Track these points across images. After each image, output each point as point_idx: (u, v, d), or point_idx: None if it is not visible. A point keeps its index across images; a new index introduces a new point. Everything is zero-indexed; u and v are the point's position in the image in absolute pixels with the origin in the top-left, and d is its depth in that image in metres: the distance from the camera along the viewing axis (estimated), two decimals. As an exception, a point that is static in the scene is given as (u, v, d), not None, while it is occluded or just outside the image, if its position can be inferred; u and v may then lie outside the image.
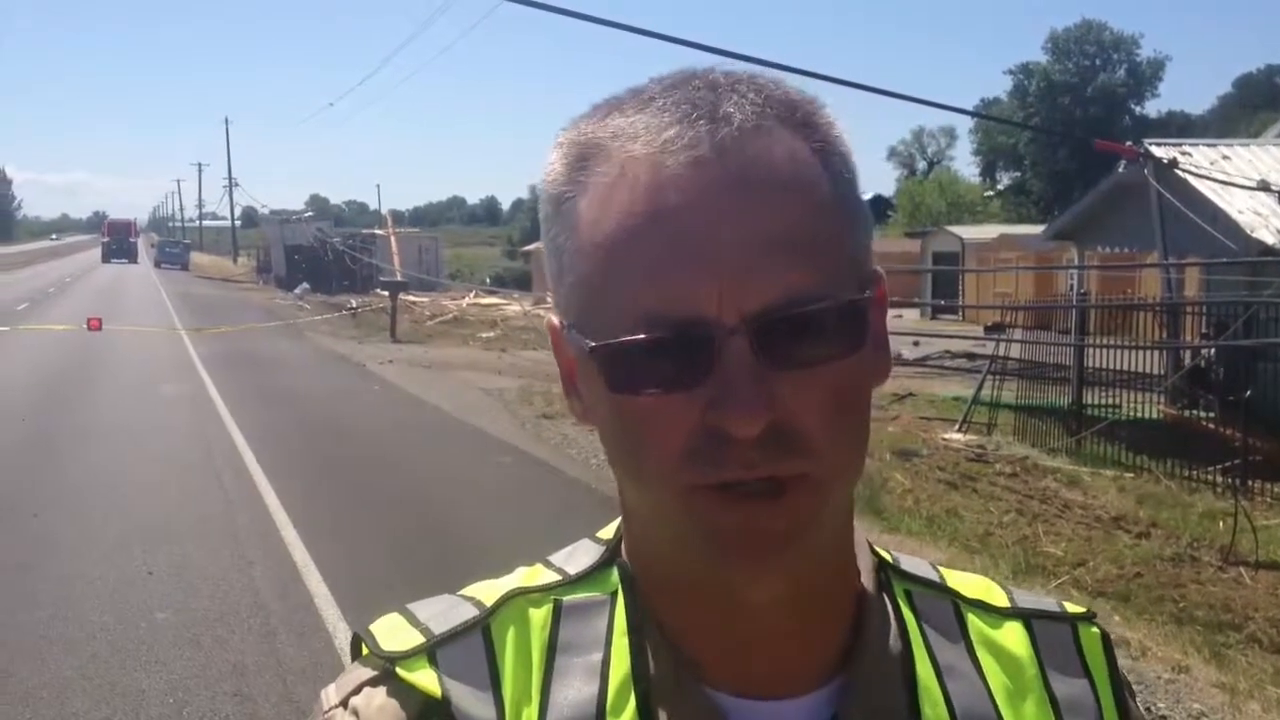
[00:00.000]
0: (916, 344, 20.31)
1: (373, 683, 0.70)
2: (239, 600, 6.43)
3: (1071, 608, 0.79)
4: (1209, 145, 15.53)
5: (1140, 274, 19.68)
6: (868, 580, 0.73)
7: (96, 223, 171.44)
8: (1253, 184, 13.26)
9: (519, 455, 11.31)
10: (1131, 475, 10.51)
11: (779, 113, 0.64)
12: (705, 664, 0.69)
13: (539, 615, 0.72)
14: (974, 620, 0.76)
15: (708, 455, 0.61)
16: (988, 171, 70.37)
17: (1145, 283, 20.21)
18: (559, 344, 0.70)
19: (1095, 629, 0.78)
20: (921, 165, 77.57)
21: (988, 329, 19.77)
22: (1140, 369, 12.37)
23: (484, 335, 25.89)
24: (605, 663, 0.69)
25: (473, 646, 0.70)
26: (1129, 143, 14.90)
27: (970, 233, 38.82)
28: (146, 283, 52.76)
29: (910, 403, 15.01)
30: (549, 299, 0.71)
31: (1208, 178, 13.36)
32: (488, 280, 54.31)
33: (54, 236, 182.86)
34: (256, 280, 53.33)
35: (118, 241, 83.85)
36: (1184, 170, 13.25)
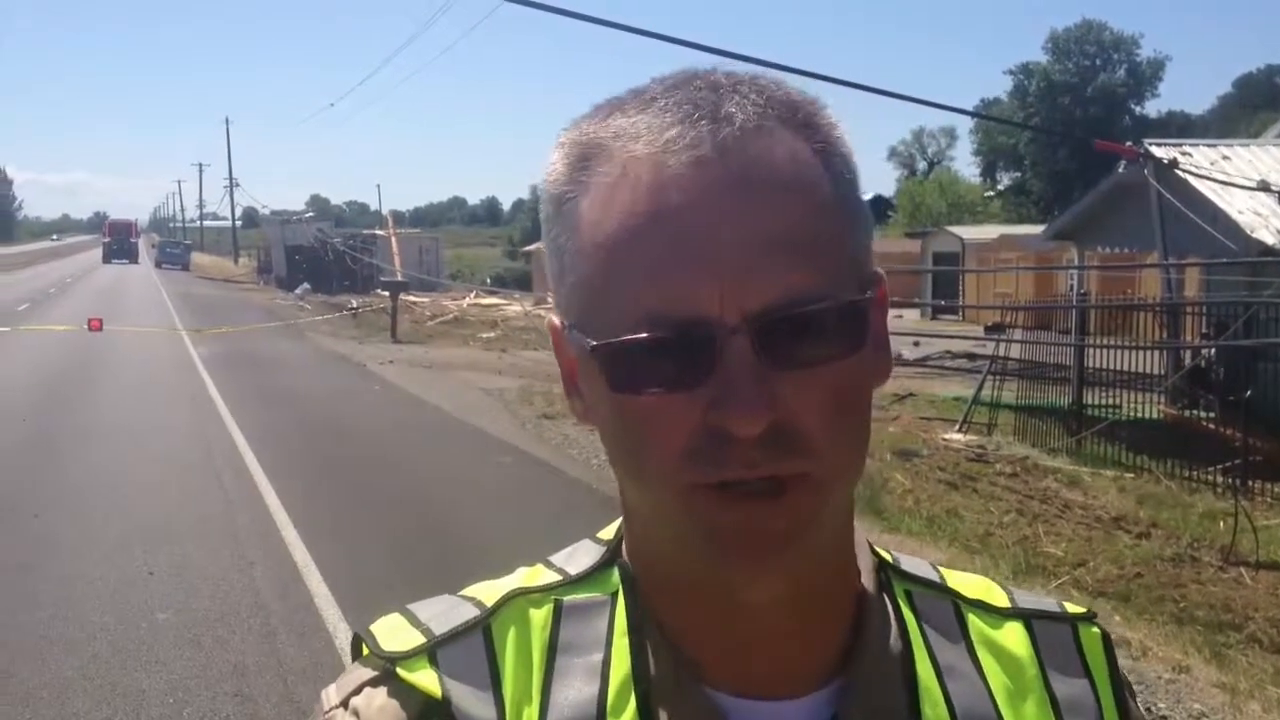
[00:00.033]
0: (917, 344, 20.31)
1: (373, 683, 0.70)
2: (239, 600, 6.43)
3: (1072, 608, 0.79)
4: (1209, 145, 15.52)
5: (1140, 274, 19.69)
6: (868, 580, 0.73)
7: (97, 223, 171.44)
8: (1253, 184, 13.26)
9: (519, 455, 11.31)
10: (1132, 475, 10.51)
11: (780, 113, 0.64)
12: (706, 664, 0.69)
13: (540, 615, 0.72)
14: (974, 620, 0.76)
15: (709, 455, 0.61)
16: (988, 172, 70.39)
17: (1145, 283, 20.21)
18: (560, 344, 0.70)
19: (1096, 629, 0.78)
20: (922, 165, 77.60)
21: (988, 329, 19.77)
22: (1140, 369, 12.37)
23: (484, 335, 25.90)
24: (606, 663, 0.69)
25: (473, 647, 0.70)
26: (1129, 143, 14.90)
27: (970, 233, 38.82)
28: (147, 283, 52.77)
29: (910, 403, 15.01)
30: (550, 299, 0.71)
31: (1208, 178, 13.36)
32: (488, 280, 54.32)
33: (55, 237, 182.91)
34: (257, 281, 53.35)
35: (119, 242, 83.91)
36: (1184, 170, 13.25)
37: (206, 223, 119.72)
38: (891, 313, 0.70)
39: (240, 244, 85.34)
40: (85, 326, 23.12)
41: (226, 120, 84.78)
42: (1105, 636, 0.78)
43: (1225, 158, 14.54)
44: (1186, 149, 14.49)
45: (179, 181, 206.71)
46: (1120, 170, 15.39)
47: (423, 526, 8.29)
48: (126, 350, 20.92)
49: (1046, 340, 13.79)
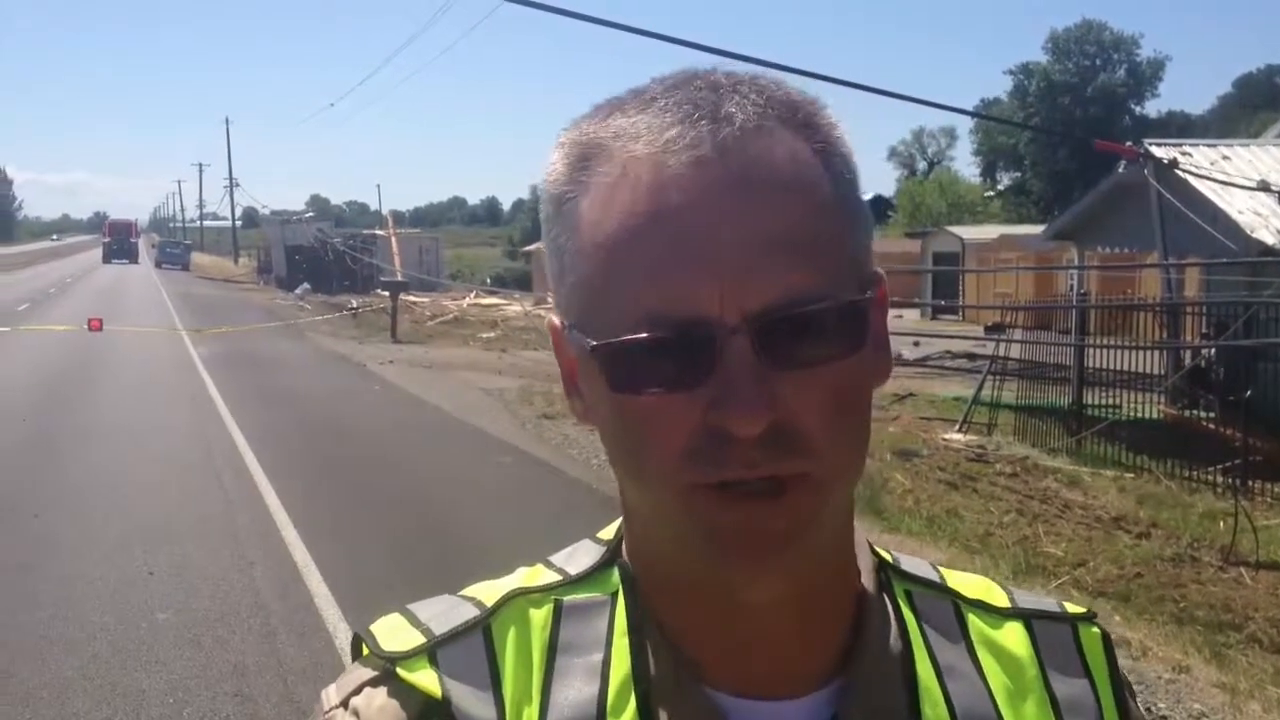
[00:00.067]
0: (917, 344, 20.31)
1: (373, 683, 0.70)
2: (239, 600, 6.43)
3: (1072, 608, 0.79)
4: (1209, 145, 15.52)
5: (1140, 274, 19.69)
6: (868, 580, 0.73)
7: (97, 223, 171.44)
8: (1253, 184, 13.26)
9: (519, 455, 11.31)
10: (1132, 475, 10.51)
11: (781, 113, 0.64)
12: (706, 664, 0.69)
13: (539, 615, 0.72)
14: (974, 620, 0.76)
15: (709, 455, 0.61)
16: (988, 172, 70.40)
17: (1145, 283, 20.21)
18: (560, 344, 0.70)
19: (1096, 629, 0.78)
20: (922, 165, 77.60)
21: (988, 329, 19.77)
22: (1140, 369, 12.37)
23: (484, 335, 25.90)
24: (606, 663, 0.69)
25: (473, 647, 0.70)
26: (1129, 143, 14.89)
27: (970, 233, 38.83)
28: (147, 283, 52.78)
29: (910, 403, 15.01)
30: (550, 299, 0.71)
31: (1208, 178, 13.36)
32: (488, 280, 54.34)
33: (54, 237, 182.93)
34: (257, 281, 53.36)
35: (119, 242, 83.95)
36: (1184, 170, 13.25)
37: (206, 223, 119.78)
38: (891, 313, 0.71)
39: (240, 244, 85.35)
40: (85, 326, 23.12)
41: (226, 120, 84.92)
42: (1105, 636, 0.78)
43: (1225, 158, 14.54)
44: (1186, 149, 14.49)
45: (179, 181, 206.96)
46: (1120, 170, 15.39)
47: (423, 526, 8.29)
48: (126, 350, 20.92)
49: (1046, 340, 13.80)
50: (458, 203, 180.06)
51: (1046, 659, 0.75)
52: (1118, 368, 12.65)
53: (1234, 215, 13.11)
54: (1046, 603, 0.79)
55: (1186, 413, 11.93)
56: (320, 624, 6.06)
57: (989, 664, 0.74)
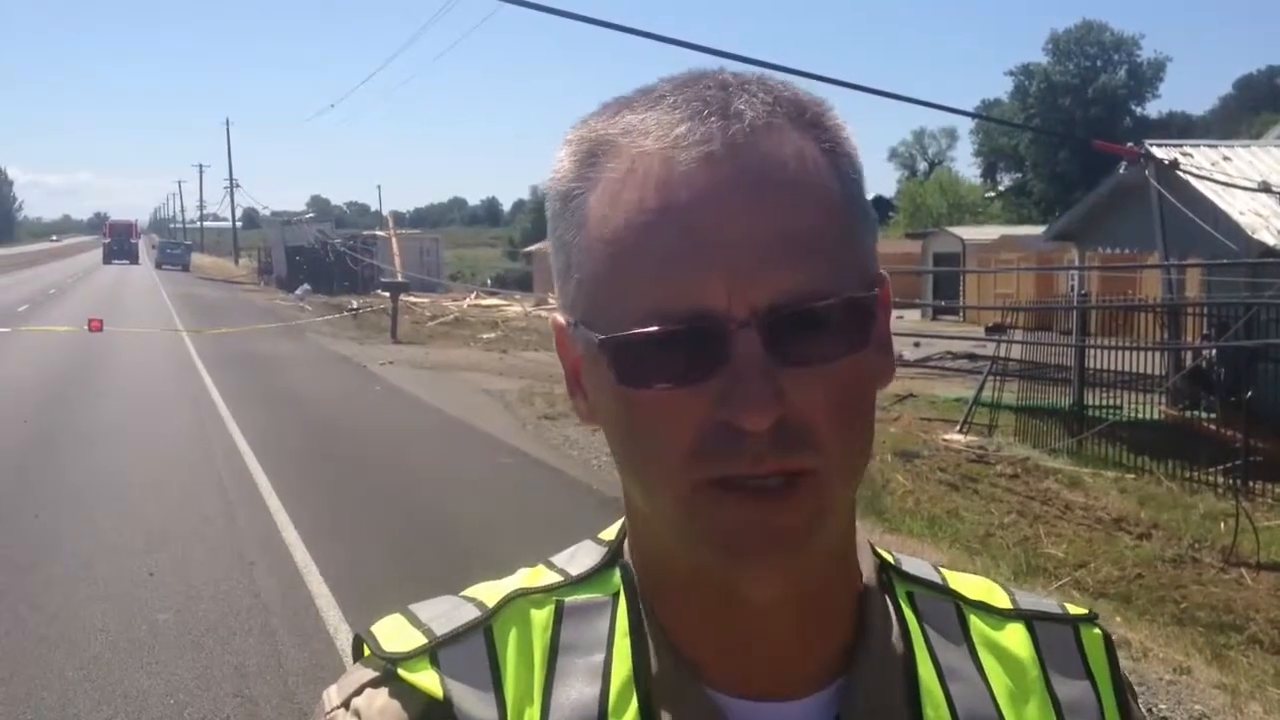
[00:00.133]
0: (918, 345, 20.32)
1: (374, 684, 0.70)
2: (240, 601, 6.43)
3: (1073, 609, 0.79)
4: (1210, 146, 15.52)
5: (1141, 275, 19.70)
6: (870, 581, 0.73)
7: (98, 224, 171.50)
8: (1254, 185, 13.27)
9: (520, 456, 11.31)
10: (1133, 476, 10.51)
11: (789, 112, 0.65)
12: (707, 665, 0.69)
13: (541, 616, 0.72)
14: (976, 622, 0.76)
15: (716, 450, 0.61)
16: (989, 173, 70.43)
17: (1146, 284, 20.22)
18: (564, 342, 0.69)
19: (1097, 630, 0.78)
20: (922, 166, 77.61)
21: (989, 330, 19.77)
22: (1141, 370, 12.37)
23: (485, 336, 25.91)
24: (607, 664, 0.69)
25: (474, 647, 0.70)
26: (1130, 144, 14.89)
27: (971, 234, 38.85)
28: (148, 284, 52.81)
29: (911, 403, 15.01)
30: (551, 300, 0.71)
31: (1209, 179, 13.36)
32: (489, 281, 54.40)
33: (54, 238, 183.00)
34: (258, 281, 53.40)
35: (119, 242, 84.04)
36: (1185, 171, 13.25)
37: (207, 223, 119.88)
38: (893, 313, 0.71)
39: (241, 245, 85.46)
40: (86, 327, 23.11)
41: (227, 121, 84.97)
42: (1107, 638, 0.78)
43: (1226, 159, 14.54)
44: (1187, 150, 14.50)
45: (179, 182, 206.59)
46: (1121, 171, 15.39)
47: (423, 527, 8.29)
48: (127, 351, 20.93)
49: (1047, 341, 13.80)
50: (458, 203, 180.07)
51: (1048, 660, 0.75)
52: (1119, 368, 12.65)
53: (1235, 216, 13.11)
54: (1048, 604, 0.79)
55: (1187, 413, 11.93)
56: (321, 625, 6.05)
57: (991, 665, 0.74)
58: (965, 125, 72.76)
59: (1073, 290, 19.15)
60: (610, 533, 0.76)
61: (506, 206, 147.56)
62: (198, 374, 17.77)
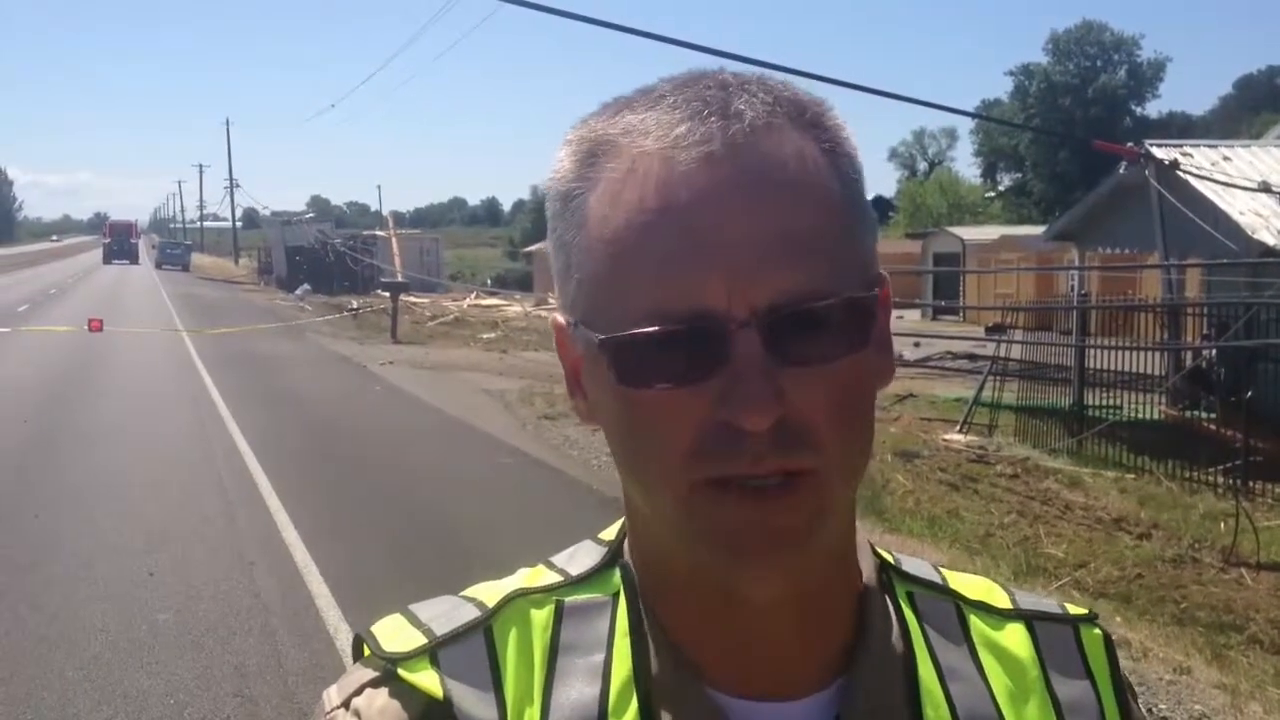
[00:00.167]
0: (918, 345, 20.32)
1: (374, 684, 0.70)
2: (240, 601, 6.43)
3: (1073, 609, 0.79)
4: (1210, 146, 15.52)
5: (1141, 275, 19.70)
6: (870, 581, 0.73)
7: (98, 224, 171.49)
8: (1254, 185, 13.27)
9: (520, 456, 11.31)
10: (1133, 476, 10.50)
11: (789, 112, 0.65)
12: (707, 665, 0.69)
13: (541, 616, 0.72)
14: (976, 622, 0.76)
15: (716, 450, 0.61)
16: (989, 173, 70.42)
17: (1146, 284, 20.22)
18: (564, 342, 0.69)
19: (1097, 630, 0.78)
20: (922, 166, 77.61)
21: (989, 330, 19.77)
22: (1141, 370, 12.37)
23: (485, 336, 25.91)
24: (607, 664, 0.69)
25: (474, 647, 0.70)
26: (1130, 144, 14.89)
27: (971, 234, 38.86)
28: (148, 284, 52.81)
29: (911, 404, 15.01)
30: (550, 300, 0.71)
31: (1209, 179, 13.36)
32: (489, 281, 54.41)
33: (54, 238, 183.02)
34: (258, 281, 53.40)
35: (119, 242, 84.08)
36: (1185, 171, 13.25)
37: (207, 223, 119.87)
38: (893, 313, 0.70)
39: (241, 245, 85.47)
40: (86, 327, 23.11)
41: (227, 121, 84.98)
42: (1107, 638, 0.78)
43: (1226, 159, 14.54)
44: (1187, 150, 14.50)
45: (179, 182, 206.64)
46: (1121, 171, 15.39)
47: (423, 527, 8.29)
48: (127, 351, 20.93)
49: (1047, 341, 13.80)
50: (458, 203, 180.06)
51: (1048, 660, 0.75)
52: (1118, 368, 12.65)
53: (1235, 216, 13.11)
54: (1048, 604, 0.79)
55: (1187, 414, 11.93)
56: (321, 625, 6.05)
57: (991, 665, 0.74)
58: (965, 125, 72.86)
59: (1073, 290, 19.15)
60: (610, 533, 0.76)
61: (506, 206, 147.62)
62: (198, 374, 17.77)
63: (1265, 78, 69.82)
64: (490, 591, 0.74)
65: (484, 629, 0.71)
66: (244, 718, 4.91)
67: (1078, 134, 48.65)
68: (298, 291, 40.73)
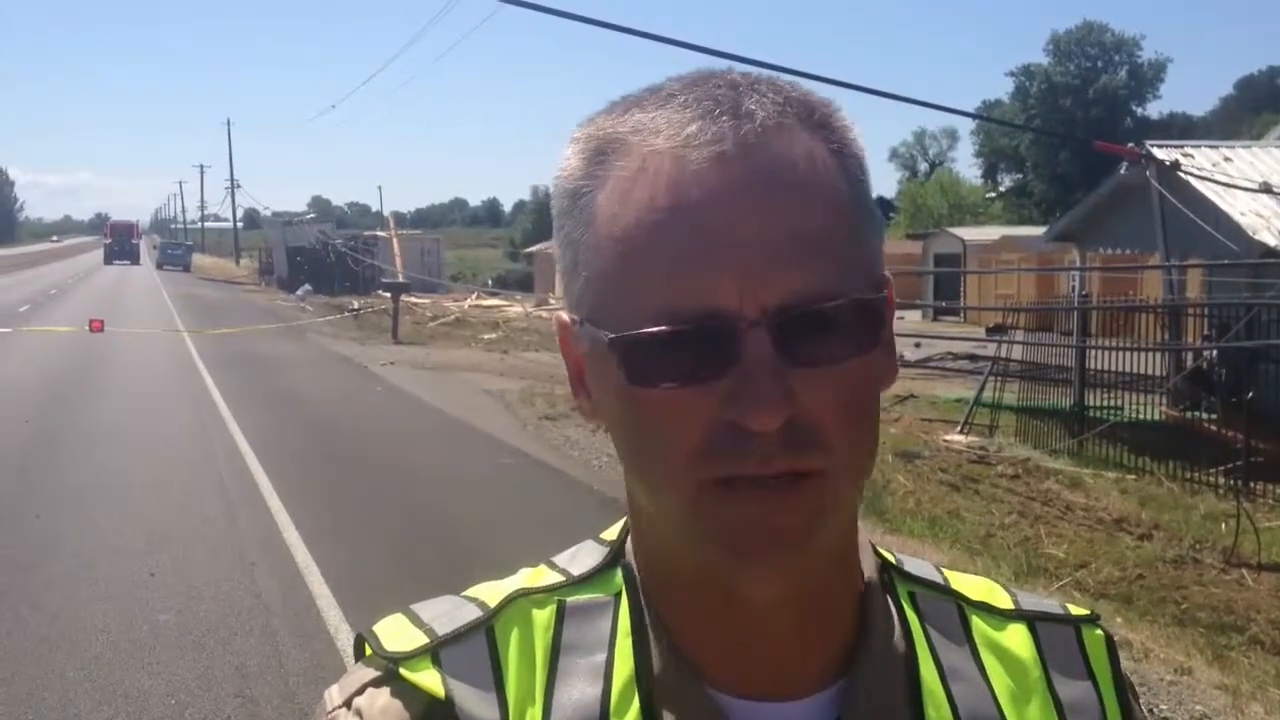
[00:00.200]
0: (918, 345, 20.31)
1: (376, 683, 0.70)
2: (241, 602, 6.43)
3: (1075, 610, 0.79)
4: (1211, 147, 15.52)
5: (1142, 275, 19.70)
6: (871, 581, 0.73)
7: (99, 224, 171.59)
8: (1254, 186, 13.27)
9: (521, 457, 11.31)
10: (1133, 477, 10.50)
11: (799, 113, 0.65)
12: (709, 665, 0.69)
13: (542, 616, 0.72)
14: (978, 622, 0.76)
15: (724, 450, 0.61)
16: (989, 173, 70.43)
17: (1147, 284, 20.21)
18: (568, 341, 0.69)
19: (1099, 631, 0.78)
20: (923, 167, 77.60)
21: (989, 330, 19.78)
22: (1142, 371, 12.37)
23: (486, 337, 25.91)
24: (609, 664, 0.69)
25: (476, 647, 0.70)
26: (1130, 144, 14.89)
27: (972, 234, 38.86)
28: (149, 284, 52.83)
29: (912, 404, 15.00)
30: (552, 300, 0.71)
31: (1209, 179, 13.36)
32: (490, 282, 54.33)
33: (55, 238, 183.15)
34: (259, 282, 53.39)
35: (120, 243, 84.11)
36: (1186, 172, 13.25)
37: (208, 224, 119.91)
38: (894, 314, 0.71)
39: (242, 245, 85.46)
40: (87, 328, 23.12)
41: (228, 121, 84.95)
42: (1108, 638, 0.78)
43: (1227, 159, 14.54)
44: (1188, 150, 14.50)
45: (180, 183, 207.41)
46: (1122, 172, 15.39)
47: (424, 528, 8.29)
48: (128, 351, 20.93)
49: (1048, 342, 13.80)
50: (459, 204, 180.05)
51: (1050, 661, 0.75)
52: (1119, 369, 12.65)
53: (1236, 217, 13.11)
54: (1049, 604, 0.79)
55: (1188, 414, 11.92)
56: (322, 625, 6.06)
57: (992, 666, 0.74)
58: (966, 126, 72.86)
59: (1073, 291, 19.12)
60: (612, 533, 0.76)
61: (507, 207, 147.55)
62: (199, 374, 17.78)
63: (1266, 78, 69.81)
64: (492, 591, 0.74)
65: (486, 629, 0.71)
66: (245, 718, 4.91)
67: (1078, 135, 48.65)
68: (299, 292, 40.73)
